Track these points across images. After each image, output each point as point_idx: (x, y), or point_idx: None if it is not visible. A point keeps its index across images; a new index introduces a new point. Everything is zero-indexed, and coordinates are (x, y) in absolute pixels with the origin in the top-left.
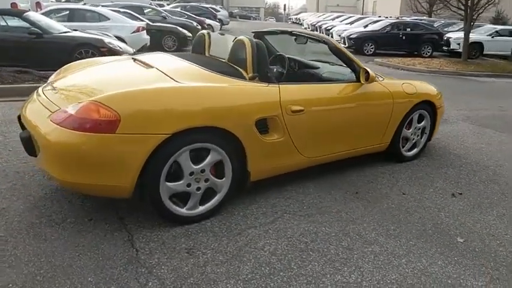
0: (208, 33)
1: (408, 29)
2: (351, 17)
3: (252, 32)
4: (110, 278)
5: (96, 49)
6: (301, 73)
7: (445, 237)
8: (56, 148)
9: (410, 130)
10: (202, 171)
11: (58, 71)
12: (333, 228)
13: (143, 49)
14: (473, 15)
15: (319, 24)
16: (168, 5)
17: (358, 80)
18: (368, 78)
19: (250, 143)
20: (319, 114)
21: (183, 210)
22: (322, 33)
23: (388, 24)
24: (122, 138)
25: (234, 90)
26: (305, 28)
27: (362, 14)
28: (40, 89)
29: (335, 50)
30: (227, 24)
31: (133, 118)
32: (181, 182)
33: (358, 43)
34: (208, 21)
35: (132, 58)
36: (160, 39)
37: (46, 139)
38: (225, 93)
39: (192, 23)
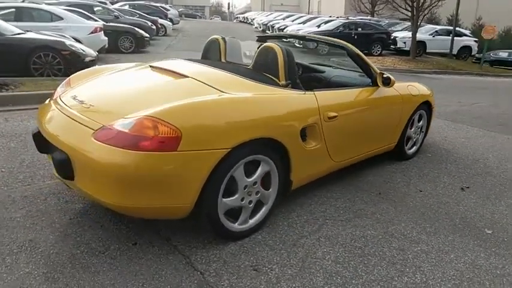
0: (223, 38)
1: (359, 29)
2: (301, 16)
3: (257, 37)
4: None
5: (57, 52)
6: (307, 77)
7: (475, 230)
8: (109, 170)
9: (412, 129)
10: (255, 183)
11: (66, 80)
12: (377, 231)
13: (101, 51)
14: (419, 16)
15: (271, 23)
16: (111, 3)
17: (374, 84)
18: (389, 82)
19: (295, 152)
20: (348, 119)
21: (236, 226)
22: (275, 32)
23: (340, 24)
24: (183, 155)
25: (281, 99)
26: (256, 28)
27: (308, 13)
28: (60, 102)
29: (354, 56)
30: (177, 23)
31: (194, 133)
32: (235, 196)
33: None
34: (161, 20)
35: (150, 66)
36: (116, 40)
37: (94, 160)
38: (275, 103)
39: (146, 22)
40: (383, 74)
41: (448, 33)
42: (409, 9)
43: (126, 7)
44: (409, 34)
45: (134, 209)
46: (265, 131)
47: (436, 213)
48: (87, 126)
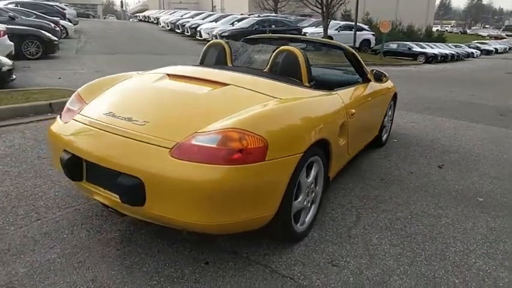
0: (227, 42)
1: (273, 26)
2: (211, 14)
3: (243, 39)
4: None
5: None
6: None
7: (471, 200)
8: (198, 188)
9: (386, 119)
10: (311, 184)
11: (76, 96)
12: (404, 213)
13: (9, 58)
14: (329, 12)
15: (181, 22)
16: None
17: (365, 80)
18: (383, 78)
19: (335, 150)
20: (359, 114)
21: (300, 227)
22: (186, 30)
23: (255, 21)
24: (271, 164)
25: (324, 100)
26: (162, 27)
27: (212, 11)
28: (93, 121)
29: (350, 55)
30: (77, 24)
31: (277, 141)
32: (300, 198)
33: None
34: (61, 22)
35: (167, 74)
36: (19, 45)
37: (179, 180)
38: (323, 104)
39: (49, 24)
40: (373, 70)
41: (350, 28)
42: (319, 6)
43: (11, 6)
44: (318, 30)
45: (221, 226)
46: (323, 132)
47: (435, 190)
48: (158, 145)
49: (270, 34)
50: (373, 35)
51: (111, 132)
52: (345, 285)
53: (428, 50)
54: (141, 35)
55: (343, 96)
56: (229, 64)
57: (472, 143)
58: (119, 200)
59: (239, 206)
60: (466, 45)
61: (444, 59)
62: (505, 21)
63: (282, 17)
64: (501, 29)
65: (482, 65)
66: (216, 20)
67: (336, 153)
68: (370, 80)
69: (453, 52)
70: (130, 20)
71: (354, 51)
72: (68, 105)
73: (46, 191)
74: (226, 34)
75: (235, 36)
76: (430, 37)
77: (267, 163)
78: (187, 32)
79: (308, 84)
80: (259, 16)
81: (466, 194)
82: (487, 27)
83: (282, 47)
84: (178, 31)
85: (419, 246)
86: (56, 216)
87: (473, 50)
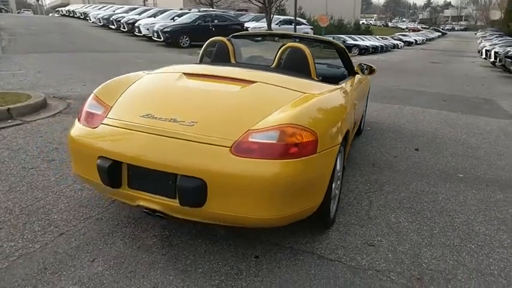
0: (229, 40)
1: (216, 21)
2: (147, 9)
3: (232, 36)
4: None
5: None
6: None
7: (453, 176)
8: (263, 184)
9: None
10: (339, 172)
11: (93, 98)
12: (406, 193)
13: None
14: (271, 7)
15: (115, 17)
16: None
17: (353, 73)
18: (373, 71)
19: (349, 139)
20: (357, 104)
21: (331, 214)
22: (123, 26)
23: (197, 16)
24: (321, 156)
25: (341, 94)
26: (93, 22)
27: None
28: (130, 123)
29: (340, 50)
30: None
31: (324, 134)
32: (333, 186)
33: (174, 36)
34: None
35: (183, 73)
36: None
37: (242, 177)
38: (343, 97)
39: None
40: (361, 64)
41: (289, 22)
42: (262, 1)
43: None
44: (259, 24)
45: (281, 219)
46: (349, 123)
47: (421, 170)
48: (218, 144)
49: (256, 31)
50: (311, 29)
51: (157, 135)
52: (387, 261)
53: (361, 43)
54: (72, 31)
55: (348, 89)
56: (233, 61)
57: (433, 126)
58: (175, 204)
59: (296, 198)
60: (391, 37)
61: (375, 50)
62: (419, 15)
63: (222, 12)
64: (416, 22)
65: (409, 55)
66: (154, 15)
67: (348, 143)
68: (357, 73)
69: (382, 44)
70: (50, 15)
71: (343, 46)
72: (87, 109)
73: (54, 203)
74: (168, 30)
75: (178, 31)
76: (358, 30)
77: (318, 155)
78: (124, 28)
79: (317, 79)
80: (199, 11)
81: (447, 172)
82: (404, 21)
83: (288, 44)
84: (112, 27)
85: (432, 220)
86: (79, 228)
87: (398, 42)
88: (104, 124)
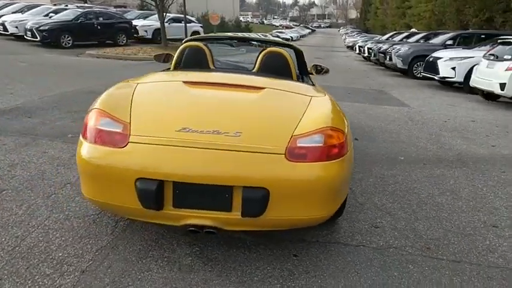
0: (206, 45)
1: (100, 19)
2: (10, 3)
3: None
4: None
5: None
6: None
7: (397, 160)
8: (317, 185)
9: None
10: None
11: (99, 113)
12: (372, 179)
13: None
14: (164, 6)
15: None
16: None
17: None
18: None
19: None
20: None
21: None
22: None
23: (78, 13)
24: (350, 154)
25: (326, 91)
26: None
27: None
28: (173, 139)
29: (299, 53)
30: None
31: (348, 132)
32: None
33: (53, 35)
34: None
35: (182, 81)
36: None
37: (301, 181)
38: (329, 95)
39: None
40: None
41: (179, 20)
42: None
43: None
44: (147, 22)
45: (328, 216)
46: None
47: (371, 157)
48: (273, 152)
49: (216, 34)
50: (201, 27)
51: (204, 148)
52: (397, 239)
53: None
54: None
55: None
56: (212, 67)
57: (356, 117)
58: (233, 216)
59: (338, 195)
60: (270, 34)
61: None
62: (289, 13)
63: (104, 9)
64: (287, 20)
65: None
66: (21, 11)
67: None
68: (311, 73)
69: (267, 41)
70: None
71: (301, 49)
72: (101, 127)
73: (45, 240)
74: (46, 28)
75: (58, 30)
76: (239, 28)
77: (349, 153)
78: None
79: (300, 81)
80: (77, 7)
81: (391, 156)
82: (275, 18)
83: (269, 49)
84: None
85: (405, 199)
86: (99, 261)
87: (276, 39)
88: (133, 142)
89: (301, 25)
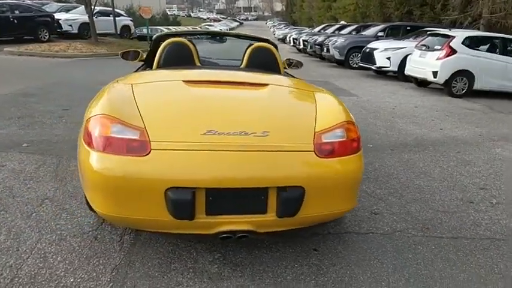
0: (190, 41)
1: (16, 12)
2: None
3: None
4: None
5: None
6: None
7: (383, 148)
8: (347, 179)
9: None
10: None
11: (105, 119)
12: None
13: None
14: None
15: None
16: None
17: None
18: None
19: None
20: None
21: None
22: None
23: None
24: (362, 145)
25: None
26: None
27: None
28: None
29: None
30: None
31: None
32: None
33: None
34: None
35: (182, 81)
36: None
37: (333, 177)
38: None
39: None
40: (289, 59)
41: (107, 14)
42: None
43: None
44: (72, 16)
45: (353, 208)
46: None
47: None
48: (303, 150)
49: (186, 29)
50: (131, 20)
51: (235, 151)
52: (398, 223)
53: None
54: None
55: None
56: (198, 63)
57: None
58: (270, 218)
59: (358, 186)
60: (199, 28)
61: None
62: (215, 6)
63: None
64: (214, 13)
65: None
66: None
67: None
68: (285, 67)
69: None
70: None
71: (276, 44)
72: (113, 134)
73: (47, 266)
74: None
75: None
76: (168, 21)
77: (361, 145)
78: None
79: (289, 75)
80: None
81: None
82: (201, 11)
83: (256, 44)
84: None
85: (389, 184)
86: (120, 283)
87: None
88: (156, 149)
89: (228, 18)
